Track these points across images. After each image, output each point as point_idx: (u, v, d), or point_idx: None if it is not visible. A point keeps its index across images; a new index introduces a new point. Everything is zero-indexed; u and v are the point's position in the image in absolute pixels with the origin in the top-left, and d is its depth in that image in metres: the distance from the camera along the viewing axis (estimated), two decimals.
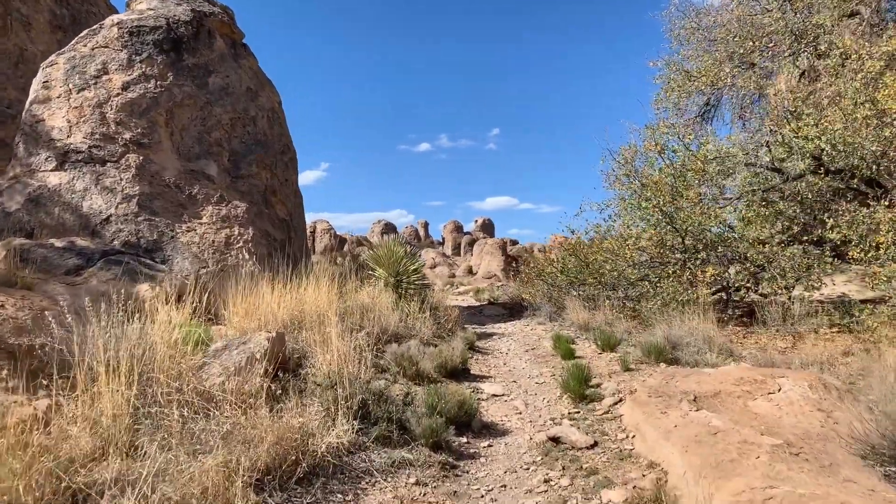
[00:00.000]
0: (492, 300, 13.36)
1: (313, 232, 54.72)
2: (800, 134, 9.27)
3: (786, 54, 10.36)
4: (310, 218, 50.54)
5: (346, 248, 47.28)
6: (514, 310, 11.88)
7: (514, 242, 47.61)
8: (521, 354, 8.01)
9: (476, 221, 57.24)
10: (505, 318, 11.49)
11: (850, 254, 8.43)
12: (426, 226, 58.33)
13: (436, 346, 7.00)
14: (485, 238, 43.51)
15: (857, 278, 13.11)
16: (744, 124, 14.17)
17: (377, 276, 9.01)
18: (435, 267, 36.37)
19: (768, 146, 10.16)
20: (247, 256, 9.17)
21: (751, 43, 11.69)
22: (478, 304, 13.65)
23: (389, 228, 54.47)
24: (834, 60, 8.76)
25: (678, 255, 10.02)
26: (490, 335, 9.56)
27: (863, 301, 9.84)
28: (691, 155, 10.94)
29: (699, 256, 9.78)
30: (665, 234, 10.17)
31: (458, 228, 53.73)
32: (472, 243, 43.61)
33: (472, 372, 6.75)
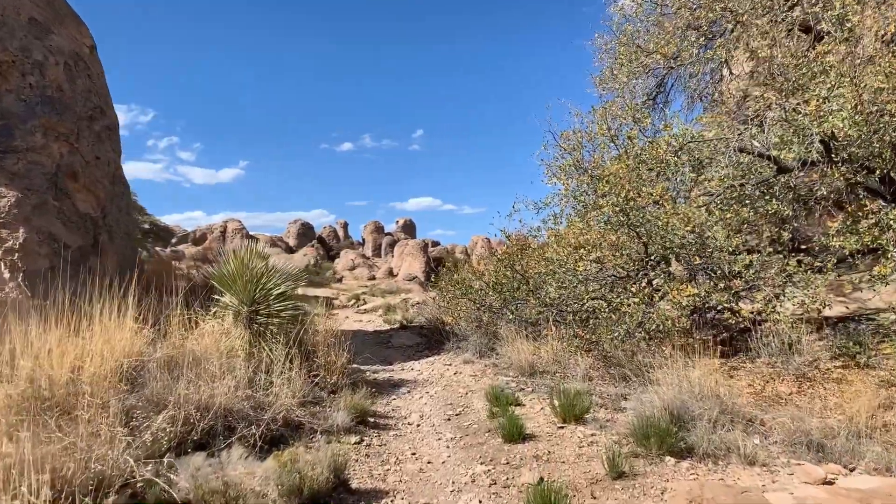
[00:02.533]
0: (405, 323, 10.37)
1: (223, 232, 52.39)
2: (809, 109, 6.85)
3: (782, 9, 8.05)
4: (223, 217, 46.93)
5: (258, 248, 45.68)
6: (432, 338, 8.97)
7: (436, 244, 45.33)
8: (441, 428, 5.16)
9: (397, 222, 55.71)
10: (420, 351, 8.56)
11: (879, 268, 6.13)
12: (346, 226, 56.77)
13: (289, 442, 3.99)
14: (406, 239, 41.77)
15: (827, 290, 10.75)
16: (704, 109, 11.88)
17: (223, 306, 5.84)
18: (354, 269, 34.12)
19: (761, 126, 7.72)
20: (6, 276, 5.76)
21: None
22: (387, 327, 10.62)
23: (307, 228, 52.22)
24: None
25: (642, 267, 7.46)
26: (396, 385, 6.61)
27: (840, 319, 7.74)
28: (650, 142, 8.45)
29: (665, 269, 7.28)
30: (627, 241, 7.58)
31: (379, 229, 52.12)
32: (393, 244, 43.15)
33: (353, 487, 3.75)
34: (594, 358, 7.25)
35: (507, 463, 4.24)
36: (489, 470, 4.13)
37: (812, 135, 6.97)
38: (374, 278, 29.84)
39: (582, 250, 7.94)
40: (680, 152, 8.18)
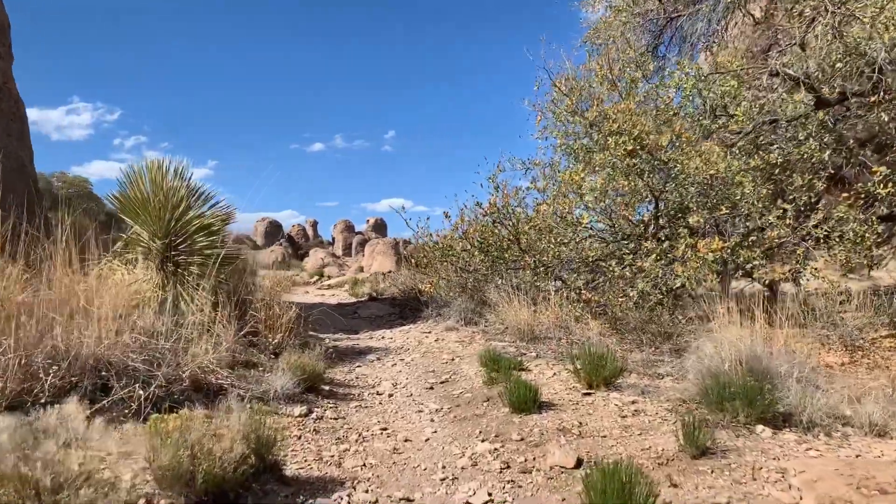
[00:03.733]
0: (374, 295, 8.90)
1: None
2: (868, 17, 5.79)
3: None
4: None
5: None
6: (406, 307, 7.52)
7: (408, 242, 43.82)
8: (422, 398, 3.76)
9: (368, 221, 55.62)
10: (393, 321, 7.12)
11: None
12: (315, 225, 56.63)
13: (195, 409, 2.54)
14: (377, 238, 40.97)
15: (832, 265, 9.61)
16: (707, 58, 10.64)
17: (132, 240, 4.32)
18: (324, 267, 34.24)
19: (802, 47, 6.58)
20: None
21: None
22: (353, 300, 9.12)
23: (274, 227, 50.98)
24: None
25: (655, 220, 6.25)
26: (362, 353, 5.17)
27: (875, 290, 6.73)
28: (657, 85, 7.32)
29: (682, 223, 6.13)
30: (640, 188, 6.39)
31: (350, 228, 51.48)
32: (363, 243, 43.32)
33: (287, 474, 2.26)
34: (603, 324, 5.95)
35: (522, 439, 2.87)
36: (496, 449, 2.74)
37: (873, 50, 5.79)
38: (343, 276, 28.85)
39: (588, 197, 6.64)
40: (692, 93, 6.98)
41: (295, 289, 11.21)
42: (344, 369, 4.52)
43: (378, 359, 4.95)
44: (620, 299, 5.93)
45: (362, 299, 9.03)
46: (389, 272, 23.56)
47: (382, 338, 6.00)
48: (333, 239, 50.69)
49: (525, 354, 4.93)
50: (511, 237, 7.33)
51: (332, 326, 6.69)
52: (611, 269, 6.25)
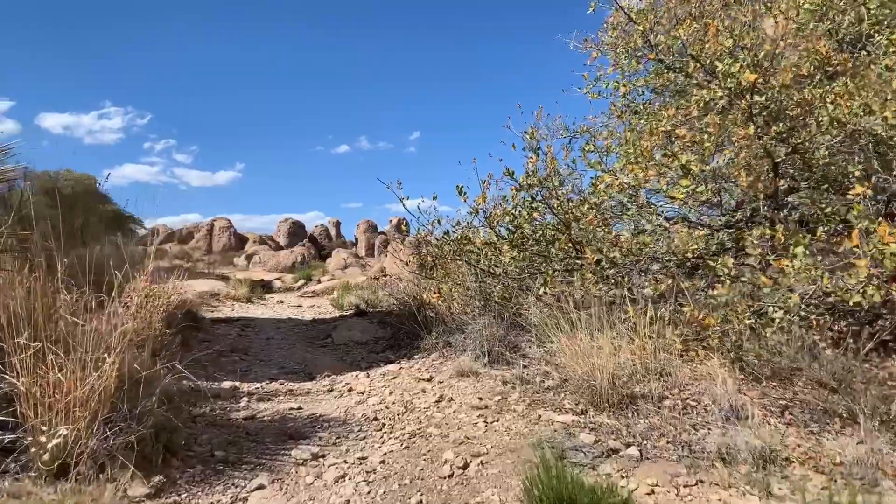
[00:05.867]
0: (364, 307, 6.34)
1: (210, 230, 50.51)
2: None
3: None
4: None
5: (246, 247, 43.03)
6: (401, 328, 4.89)
7: (430, 242, 42.91)
8: None
9: (391, 221, 54.07)
10: (377, 352, 4.62)
11: None
12: (338, 225, 56.48)
13: None
14: (399, 238, 39.42)
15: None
16: None
17: None
18: (346, 268, 32.54)
19: None
20: None
21: None
22: (335, 314, 6.58)
23: (297, 227, 49.98)
24: None
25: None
26: (297, 433, 2.74)
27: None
28: None
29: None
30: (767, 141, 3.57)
31: (373, 228, 49.76)
32: (386, 243, 38.87)
33: None
34: (727, 362, 3.38)
35: None
36: None
37: None
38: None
39: (686, 158, 4.10)
40: None
41: (270, 296, 8.76)
42: (219, 498, 1.99)
43: (316, 456, 2.40)
44: (748, 321, 3.38)
45: (347, 313, 6.52)
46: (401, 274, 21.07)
47: (350, 390, 3.45)
48: (356, 239, 48.83)
49: (615, 454, 2.34)
50: (560, 223, 4.76)
51: (280, 362, 4.18)
52: (726, 271, 3.63)
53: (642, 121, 5.30)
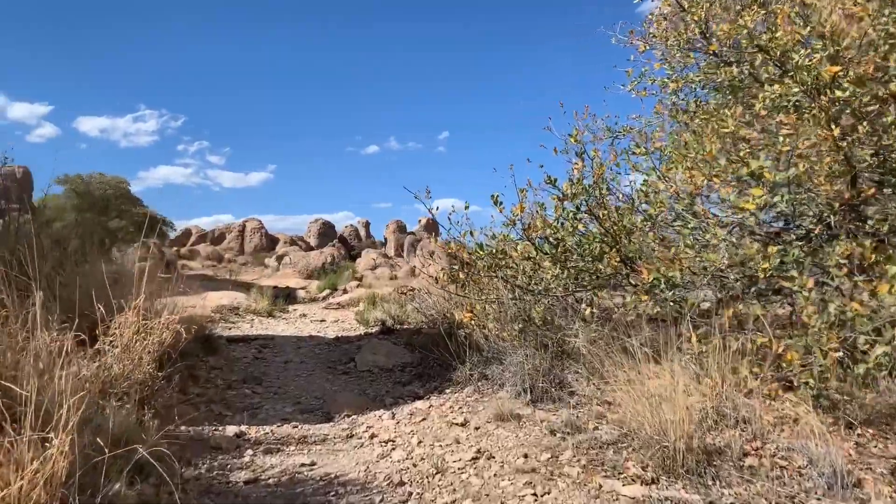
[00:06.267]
0: (389, 324, 5.86)
1: (242, 231, 49.38)
2: None
3: None
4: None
5: (277, 247, 44.65)
6: (430, 354, 4.39)
7: (460, 244, 42.96)
8: None
9: (420, 221, 54.71)
10: (404, 382, 4.12)
11: None
12: (367, 225, 58.26)
13: None
14: (429, 238, 39.41)
15: None
16: None
17: None
18: (376, 268, 31.43)
19: None
20: None
21: None
22: (360, 331, 6.12)
23: (328, 227, 50.92)
24: None
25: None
26: None
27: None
28: None
29: None
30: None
31: (402, 228, 50.39)
32: (415, 244, 40.61)
33: None
34: (810, 404, 2.78)
35: None
36: None
37: None
38: (395, 278, 26.60)
39: (759, 163, 3.50)
40: None
41: (294, 308, 8.35)
42: None
43: None
44: (837, 355, 2.81)
45: (372, 330, 6.06)
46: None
47: (372, 437, 2.97)
48: (385, 239, 49.43)
49: None
50: (607, 236, 4.23)
51: (297, 395, 3.74)
52: (805, 294, 3.06)
53: (697, 120, 4.72)
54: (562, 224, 4.39)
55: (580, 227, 4.39)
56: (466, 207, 4.87)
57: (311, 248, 43.72)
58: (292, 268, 25.84)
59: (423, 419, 3.23)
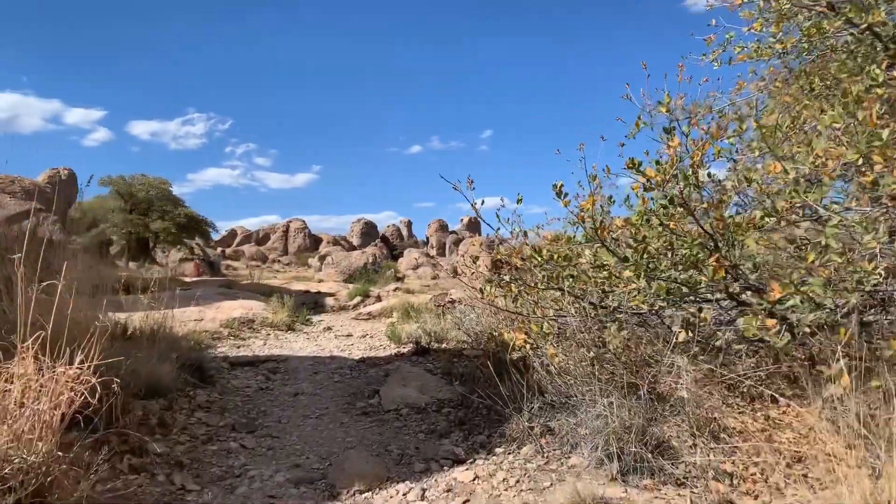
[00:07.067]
0: (424, 343, 4.86)
1: (286, 231, 50.70)
2: None
3: None
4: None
5: (320, 247, 44.86)
6: (475, 390, 3.35)
7: (503, 241, 42.72)
8: None
9: (462, 220, 54.80)
10: (442, 431, 3.03)
11: None
12: (409, 225, 57.31)
13: None
14: (471, 237, 39.11)
15: None
16: None
17: None
18: (417, 268, 31.01)
19: None
20: None
21: None
22: (390, 350, 5.14)
23: (370, 227, 51.52)
24: None
25: None
26: None
27: None
28: None
29: None
30: None
31: (444, 227, 50.61)
32: (457, 242, 40.14)
33: None
34: None
35: None
36: None
37: None
38: (437, 277, 26.37)
39: None
40: None
41: (319, 319, 7.41)
42: None
43: None
44: None
45: (404, 350, 5.08)
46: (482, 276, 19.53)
47: None
48: (427, 238, 49.58)
49: None
50: (711, 237, 3.13)
51: (298, 451, 2.78)
52: None
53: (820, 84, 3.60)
54: (646, 221, 3.31)
55: (672, 225, 3.29)
56: (519, 202, 3.86)
57: (354, 248, 43.78)
58: (334, 267, 25.36)
59: (466, 502, 2.24)
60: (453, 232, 49.64)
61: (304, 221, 53.11)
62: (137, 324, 4.09)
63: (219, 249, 38.39)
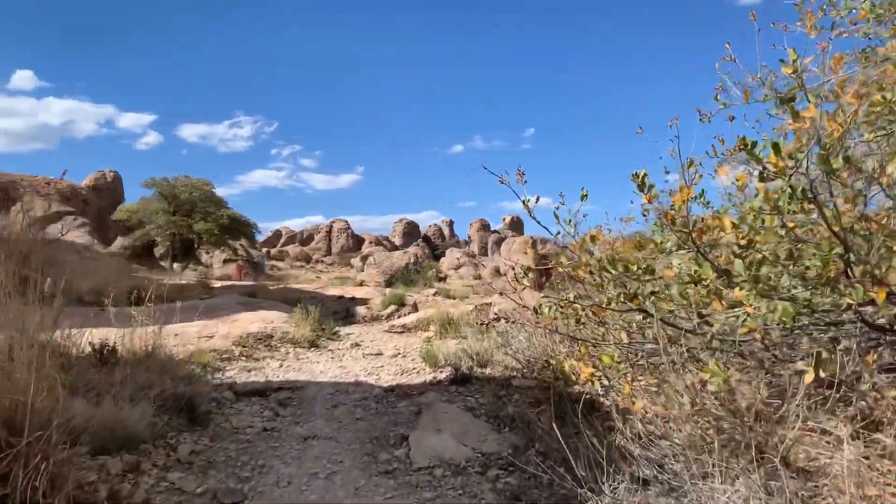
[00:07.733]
0: (465, 369, 4.03)
1: (329, 232, 51.15)
2: None
3: None
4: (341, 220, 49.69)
5: (363, 248, 44.64)
6: (534, 436, 2.53)
7: (545, 241, 42.45)
8: None
9: (504, 220, 54.69)
10: None
11: None
12: (451, 224, 54.94)
13: None
14: (513, 236, 38.60)
15: None
16: None
17: None
18: (459, 267, 30.99)
19: None
20: None
21: None
22: (426, 376, 4.35)
23: (412, 227, 51.85)
24: None
25: None
26: None
27: None
28: None
29: None
30: None
31: (486, 227, 50.48)
32: (499, 242, 39.42)
33: None
34: None
35: None
36: None
37: None
38: (479, 277, 26.19)
39: None
40: None
41: (348, 332, 6.66)
42: None
43: None
44: None
45: (441, 375, 4.29)
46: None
47: None
48: (469, 238, 49.43)
49: None
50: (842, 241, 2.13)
51: None
52: None
53: None
54: (760, 220, 2.41)
55: (792, 226, 2.40)
56: (584, 198, 3.00)
57: (396, 248, 43.86)
58: (376, 268, 25.03)
59: None
60: (495, 231, 48.85)
61: (347, 222, 53.43)
62: (128, 345, 3.46)
63: (264, 250, 38.67)
